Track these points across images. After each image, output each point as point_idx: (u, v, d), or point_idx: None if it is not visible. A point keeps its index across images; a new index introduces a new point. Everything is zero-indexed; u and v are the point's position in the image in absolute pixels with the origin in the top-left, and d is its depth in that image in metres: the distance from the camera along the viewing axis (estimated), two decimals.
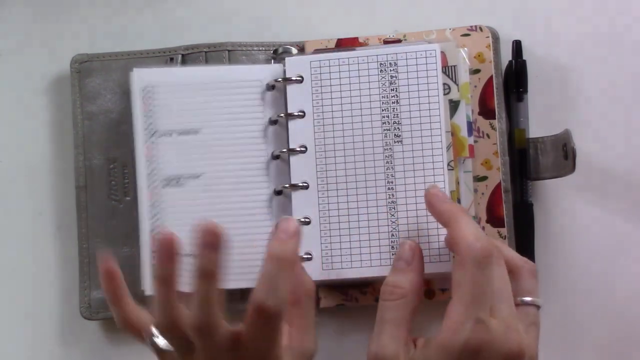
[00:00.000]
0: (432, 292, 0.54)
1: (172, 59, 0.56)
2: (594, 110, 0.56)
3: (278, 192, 0.53)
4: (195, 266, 0.43)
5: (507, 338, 0.44)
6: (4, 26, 0.59)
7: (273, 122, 0.54)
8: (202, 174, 0.53)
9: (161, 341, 0.45)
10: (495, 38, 0.55)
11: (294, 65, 0.53)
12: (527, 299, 0.47)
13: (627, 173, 0.55)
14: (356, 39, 0.56)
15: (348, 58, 0.53)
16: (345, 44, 0.55)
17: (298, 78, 0.53)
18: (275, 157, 0.54)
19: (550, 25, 0.57)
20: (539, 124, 0.56)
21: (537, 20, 0.57)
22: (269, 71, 0.54)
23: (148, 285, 0.53)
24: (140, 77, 0.53)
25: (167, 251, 0.44)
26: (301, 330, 0.49)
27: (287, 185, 0.53)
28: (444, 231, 0.50)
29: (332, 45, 0.55)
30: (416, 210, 0.52)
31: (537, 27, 0.57)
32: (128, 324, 0.47)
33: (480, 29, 0.55)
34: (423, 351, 0.45)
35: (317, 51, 0.55)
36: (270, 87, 0.54)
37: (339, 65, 0.53)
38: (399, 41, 0.55)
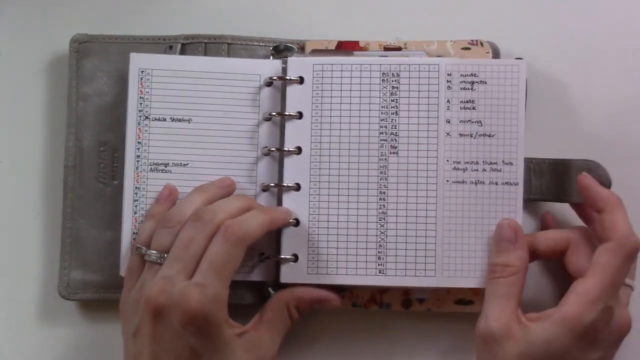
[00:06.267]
0: (410, 301, 0.54)
1: (171, 47, 0.56)
2: (593, 129, 0.56)
3: (265, 189, 0.54)
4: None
5: (622, 318, 0.47)
6: (3, 6, 0.59)
7: (267, 118, 0.54)
8: (190, 162, 0.53)
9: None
10: (496, 53, 0.55)
11: (296, 65, 0.53)
12: (628, 280, 0.50)
13: (626, 189, 0.54)
14: (357, 42, 0.55)
15: (351, 64, 0.53)
16: (345, 46, 0.55)
17: (298, 79, 0.53)
18: (266, 153, 0.54)
19: (552, 39, 0.57)
20: (538, 142, 0.55)
21: (539, 36, 0.57)
22: (269, 67, 0.54)
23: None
24: (138, 61, 0.54)
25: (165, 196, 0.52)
26: (268, 331, 0.50)
27: (273, 184, 0.53)
28: (431, 246, 0.51)
29: (333, 46, 0.55)
30: (406, 223, 0.52)
31: (539, 42, 0.57)
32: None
33: (481, 43, 0.55)
34: (541, 324, 0.47)
35: (316, 52, 0.55)
36: (268, 83, 0.54)
37: (341, 70, 0.53)
38: (399, 49, 0.55)
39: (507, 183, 0.52)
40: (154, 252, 0.49)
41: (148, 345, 0.47)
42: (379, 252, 0.52)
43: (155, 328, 0.46)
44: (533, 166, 0.53)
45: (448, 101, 0.52)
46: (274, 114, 0.53)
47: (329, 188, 0.53)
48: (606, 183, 0.51)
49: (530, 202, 0.54)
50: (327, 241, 0.52)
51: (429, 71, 0.52)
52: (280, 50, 0.56)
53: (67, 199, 0.55)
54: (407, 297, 0.54)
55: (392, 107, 0.52)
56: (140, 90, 0.53)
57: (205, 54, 0.56)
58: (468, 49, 0.55)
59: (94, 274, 0.55)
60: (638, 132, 0.56)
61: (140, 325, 0.47)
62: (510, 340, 0.47)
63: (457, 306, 0.54)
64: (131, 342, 0.48)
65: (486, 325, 0.48)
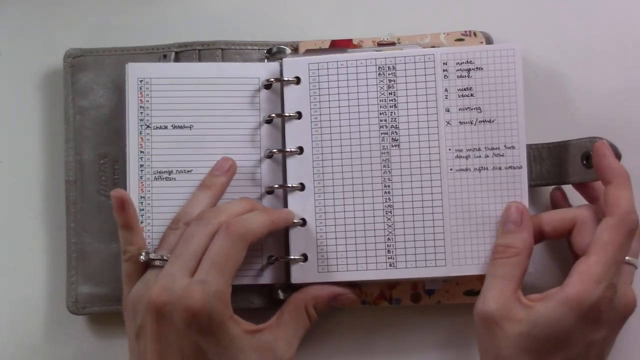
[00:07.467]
0: (419, 295, 0.54)
1: (165, 56, 0.56)
2: (589, 118, 0.56)
3: (269, 192, 0.54)
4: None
5: (626, 297, 0.47)
6: None
7: (267, 121, 0.54)
8: (194, 169, 0.53)
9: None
10: (489, 43, 0.55)
11: (291, 66, 0.53)
12: (632, 259, 0.49)
13: None
14: (350, 40, 0.56)
15: (346, 61, 0.53)
16: (339, 45, 0.55)
17: (294, 79, 0.53)
18: (268, 156, 0.54)
19: (545, 30, 0.57)
20: (534, 130, 0.55)
21: (532, 25, 0.57)
22: (266, 69, 0.54)
23: None
24: (136, 70, 0.54)
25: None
26: (285, 332, 0.50)
27: (277, 186, 0.53)
28: (439, 235, 0.51)
29: (326, 46, 0.55)
30: (412, 214, 0.52)
31: (531, 33, 0.57)
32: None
33: (474, 34, 0.55)
34: (545, 304, 0.46)
35: (310, 52, 0.55)
36: (267, 86, 0.54)
37: (337, 67, 0.53)
38: (392, 44, 0.55)
39: (510, 167, 0.52)
40: (153, 254, 0.49)
41: (152, 345, 0.46)
42: (387, 245, 0.52)
43: (158, 327, 0.46)
44: (533, 152, 0.53)
45: (446, 90, 0.52)
46: (273, 115, 0.53)
47: (333, 185, 0.53)
48: (616, 156, 0.50)
49: (532, 189, 0.54)
50: (336, 238, 0.52)
51: (424, 62, 0.52)
52: (274, 53, 0.56)
53: (69, 214, 0.55)
54: (416, 291, 0.54)
55: (390, 100, 0.52)
56: (140, 100, 0.53)
57: (200, 61, 0.56)
58: (462, 39, 0.55)
59: (101, 287, 0.55)
60: (637, 130, 0.56)
61: (142, 324, 0.47)
62: (511, 321, 0.46)
63: (467, 297, 0.54)
64: (134, 343, 0.48)
65: (484, 305, 0.48)
